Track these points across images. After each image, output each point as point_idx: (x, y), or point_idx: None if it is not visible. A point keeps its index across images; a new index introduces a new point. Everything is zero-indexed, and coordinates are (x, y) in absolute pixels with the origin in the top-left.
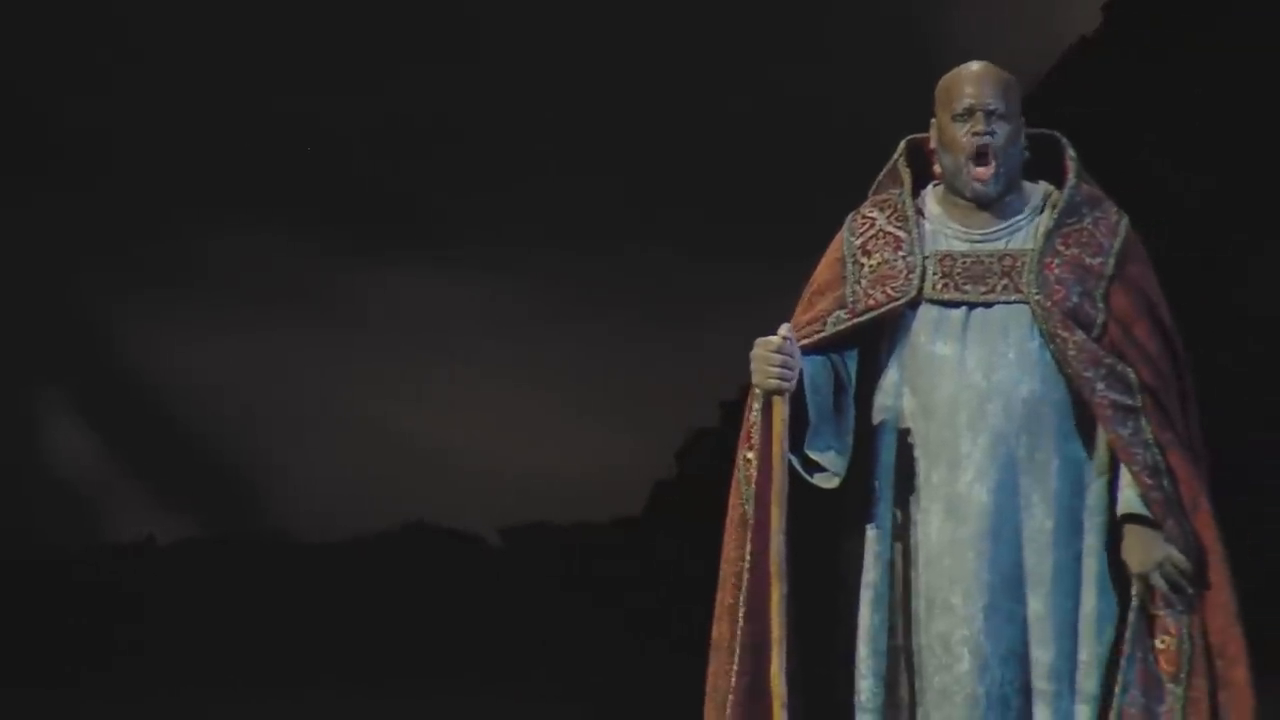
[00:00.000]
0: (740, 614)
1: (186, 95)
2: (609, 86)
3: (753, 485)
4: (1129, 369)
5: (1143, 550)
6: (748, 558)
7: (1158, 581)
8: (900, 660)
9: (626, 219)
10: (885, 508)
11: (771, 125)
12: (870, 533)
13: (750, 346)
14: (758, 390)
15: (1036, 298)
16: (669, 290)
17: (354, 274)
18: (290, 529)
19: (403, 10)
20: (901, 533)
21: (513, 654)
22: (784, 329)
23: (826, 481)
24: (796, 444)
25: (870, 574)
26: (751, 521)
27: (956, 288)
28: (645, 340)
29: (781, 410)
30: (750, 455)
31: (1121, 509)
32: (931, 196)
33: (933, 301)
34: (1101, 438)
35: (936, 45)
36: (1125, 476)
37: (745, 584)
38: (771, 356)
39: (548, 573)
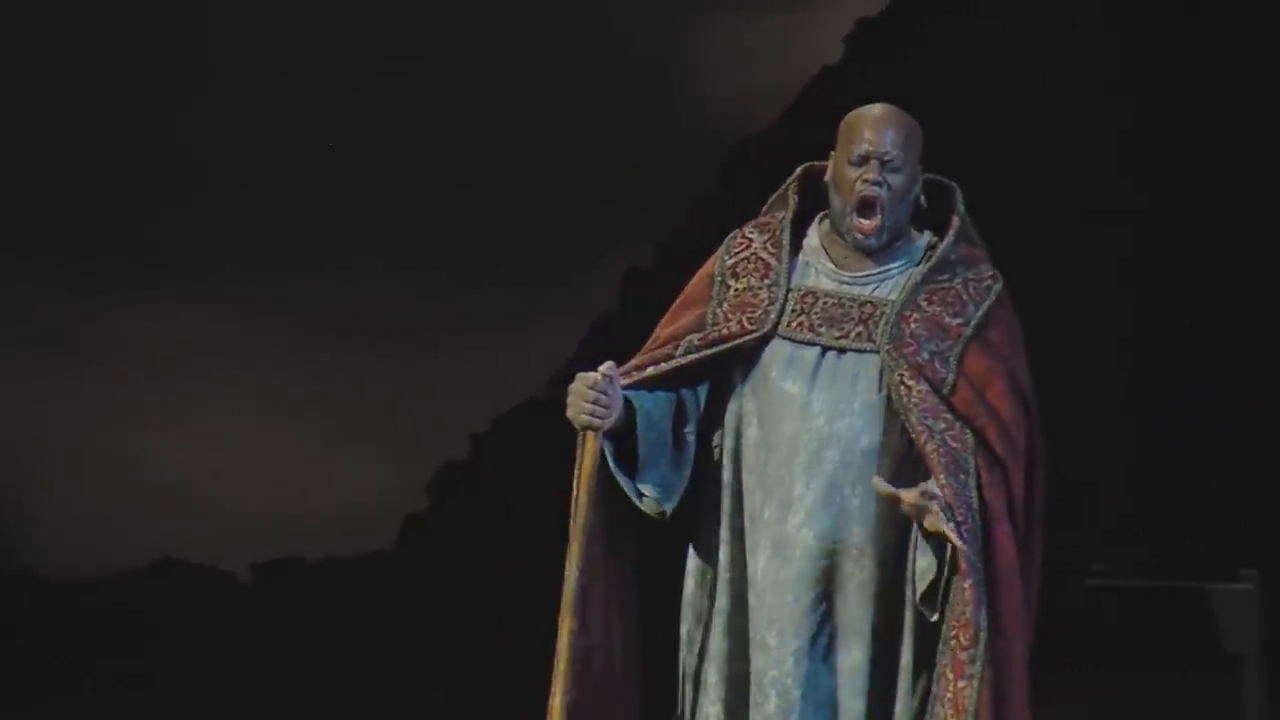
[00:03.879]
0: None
1: None
2: (355, 111)
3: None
4: (968, 427)
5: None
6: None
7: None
8: (741, 685)
9: (372, 247)
10: (732, 534)
11: (517, 154)
12: (721, 558)
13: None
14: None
15: (887, 348)
16: (417, 320)
17: (96, 307)
18: (37, 565)
19: (140, 42)
20: (743, 561)
21: (264, 689)
22: (605, 367)
23: (652, 508)
24: (633, 469)
25: (721, 599)
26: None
27: (811, 328)
28: (393, 370)
29: (593, 446)
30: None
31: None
32: (816, 228)
33: (786, 339)
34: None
35: (679, 75)
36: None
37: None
38: (586, 393)
39: (299, 608)
